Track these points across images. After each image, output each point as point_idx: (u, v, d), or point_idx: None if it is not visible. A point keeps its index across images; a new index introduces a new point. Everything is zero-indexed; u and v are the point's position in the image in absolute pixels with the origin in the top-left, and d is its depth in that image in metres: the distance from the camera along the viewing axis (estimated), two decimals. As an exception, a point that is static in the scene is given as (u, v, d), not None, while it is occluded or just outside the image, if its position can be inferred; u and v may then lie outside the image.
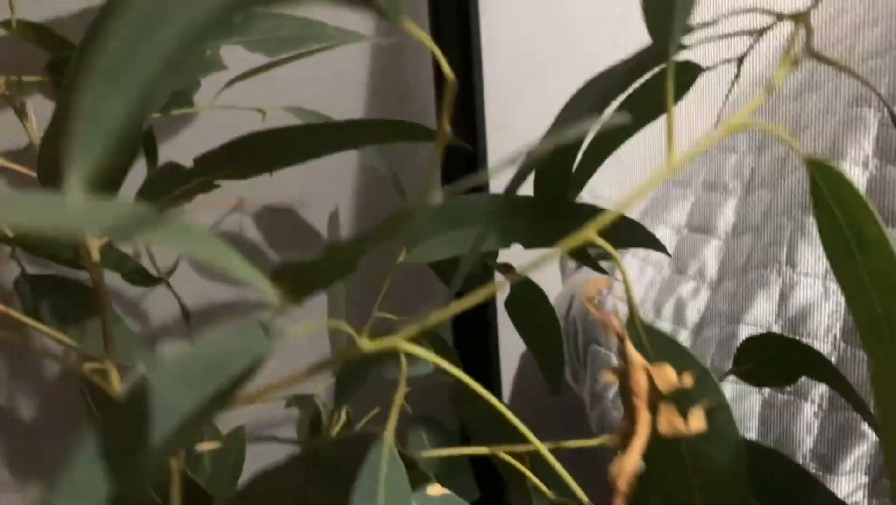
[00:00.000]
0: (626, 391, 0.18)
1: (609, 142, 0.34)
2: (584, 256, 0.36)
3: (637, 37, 0.26)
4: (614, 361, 0.54)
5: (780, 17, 0.26)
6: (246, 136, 0.34)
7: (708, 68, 0.31)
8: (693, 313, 0.52)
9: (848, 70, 0.24)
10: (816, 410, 0.42)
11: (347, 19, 0.42)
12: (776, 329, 0.45)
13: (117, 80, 0.17)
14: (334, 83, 0.57)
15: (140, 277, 0.48)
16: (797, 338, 0.43)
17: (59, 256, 0.40)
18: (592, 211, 0.35)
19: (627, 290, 0.20)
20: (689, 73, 0.32)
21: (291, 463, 0.23)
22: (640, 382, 0.17)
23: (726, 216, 0.55)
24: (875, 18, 0.49)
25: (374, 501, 0.20)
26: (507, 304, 0.41)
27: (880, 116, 0.45)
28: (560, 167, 0.34)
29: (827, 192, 0.20)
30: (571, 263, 0.66)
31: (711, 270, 0.54)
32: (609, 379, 0.18)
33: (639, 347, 0.18)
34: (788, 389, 0.44)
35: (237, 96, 0.46)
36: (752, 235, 0.51)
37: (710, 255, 0.54)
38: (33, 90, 0.47)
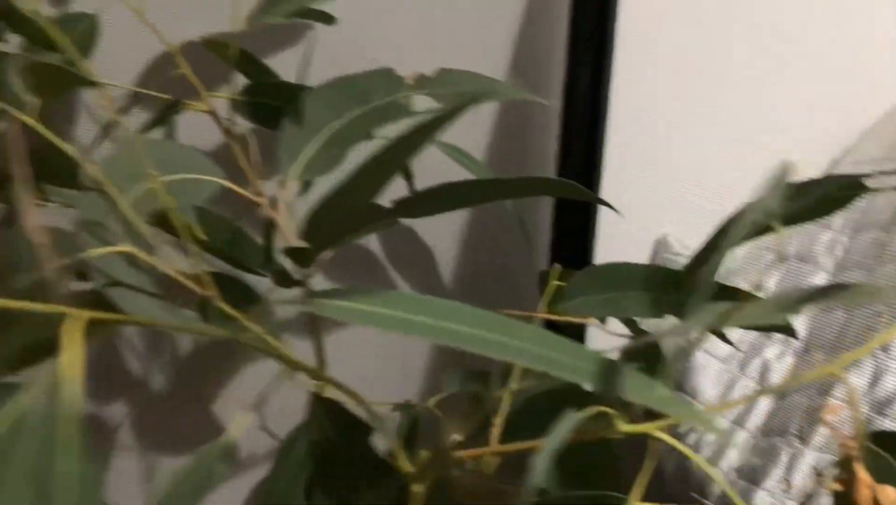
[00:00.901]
0: (845, 500, 0.22)
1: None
2: (722, 336, 0.40)
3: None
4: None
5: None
6: (436, 186, 0.38)
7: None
8: (777, 376, 0.56)
9: None
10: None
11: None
12: (864, 408, 0.49)
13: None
14: (467, 119, 0.61)
15: (283, 279, 0.53)
16: (881, 420, 0.47)
17: (240, 263, 0.45)
18: (742, 294, 0.39)
19: (856, 412, 0.24)
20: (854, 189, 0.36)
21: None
22: (864, 497, 0.21)
23: (815, 288, 0.59)
24: None
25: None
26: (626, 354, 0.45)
27: None
28: (715, 266, 0.38)
29: None
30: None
31: (799, 337, 0.57)
32: (834, 488, 0.22)
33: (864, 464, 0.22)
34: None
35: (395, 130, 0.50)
36: (844, 314, 0.55)
37: (798, 323, 0.58)
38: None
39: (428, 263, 0.63)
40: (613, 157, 0.63)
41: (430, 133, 0.27)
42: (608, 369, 0.17)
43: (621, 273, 0.40)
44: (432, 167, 0.51)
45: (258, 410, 0.62)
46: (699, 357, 0.59)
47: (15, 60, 0.29)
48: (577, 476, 0.43)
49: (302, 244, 0.34)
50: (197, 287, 0.31)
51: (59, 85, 0.24)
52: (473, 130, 0.61)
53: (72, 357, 0.16)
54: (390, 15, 0.55)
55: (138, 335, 0.59)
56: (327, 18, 0.48)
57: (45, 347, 0.33)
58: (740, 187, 0.70)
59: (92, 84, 0.24)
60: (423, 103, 0.44)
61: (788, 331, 0.38)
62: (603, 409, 0.23)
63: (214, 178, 0.36)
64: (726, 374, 0.58)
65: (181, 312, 0.33)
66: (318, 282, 0.58)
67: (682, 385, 0.59)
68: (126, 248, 0.28)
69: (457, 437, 0.27)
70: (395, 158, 0.29)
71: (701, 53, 0.66)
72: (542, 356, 0.17)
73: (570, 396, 0.41)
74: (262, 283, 0.47)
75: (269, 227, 0.47)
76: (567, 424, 0.20)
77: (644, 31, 0.63)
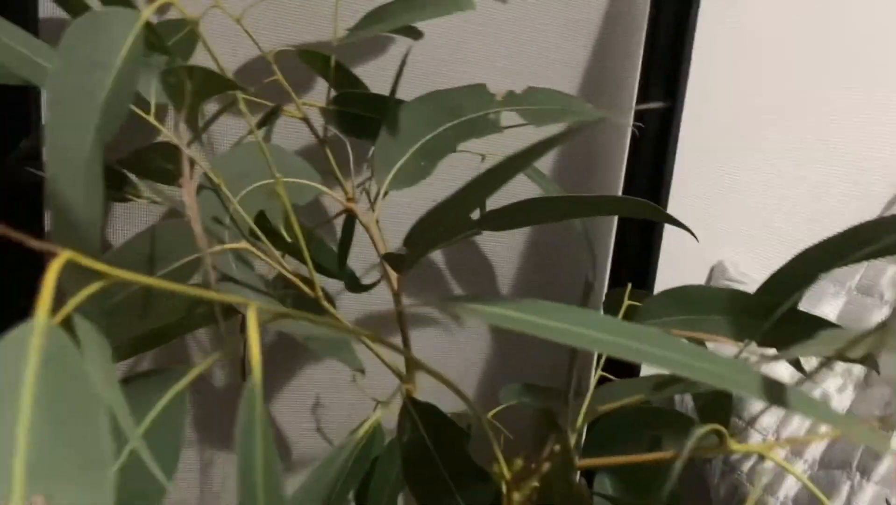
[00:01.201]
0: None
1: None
2: (798, 365, 0.40)
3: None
4: (752, 436, 0.58)
5: None
6: (519, 203, 0.39)
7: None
8: (838, 407, 0.56)
9: None
10: None
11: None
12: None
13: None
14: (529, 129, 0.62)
15: (354, 283, 0.54)
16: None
17: (317, 265, 0.46)
18: (820, 323, 0.39)
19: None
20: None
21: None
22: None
23: (877, 322, 0.59)
24: None
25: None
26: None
27: None
28: (799, 294, 0.39)
29: None
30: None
31: (859, 370, 0.57)
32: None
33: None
34: None
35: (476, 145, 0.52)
36: (909, 349, 0.55)
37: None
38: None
39: (488, 274, 0.64)
40: (678, 180, 0.63)
41: (531, 159, 0.28)
42: (773, 385, 0.18)
43: (702, 296, 0.41)
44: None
45: (316, 412, 0.63)
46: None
47: (155, 64, 0.31)
48: (640, 491, 0.44)
49: (401, 251, 0.35)
50: (304, 287, 0.32)
51: (209, 90, 0.25)
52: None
53: (254, 343, 0.18)
54: (480, 35, 0.57)
55: (204, 331, 0.61)
56: (415, 34, 0.50)
57: (172, 330, 0.34)
58: (799, 219, 0.70)
59: (241, 88, 0.25)
60: (511, 119, 0.45)
61: (873, 364, 0.38)
62: (717, 427, 0.23)
63: (316, 184, 0.37)
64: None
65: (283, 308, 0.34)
66: (381, 290, 0.59)
67: (739, 413, 0.59)
68: (243, 245, 0.30)
69: (556, 447, 0.27)
70: (496, 180, 0.30)
71: (771, 85, 0.66)
72: (702, 368, 0.17)
73: (644, 415, 0.42)
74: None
75: (347, 232, 0.48)
76: (692, 440, 0.21)
77: (718, 58, 0.64)
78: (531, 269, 0.65)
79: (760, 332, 0.39)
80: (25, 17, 0.49)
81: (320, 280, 0.50)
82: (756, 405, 0.59)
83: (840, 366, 0.58)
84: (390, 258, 0.35)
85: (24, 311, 0.16)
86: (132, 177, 0.40)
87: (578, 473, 0.36)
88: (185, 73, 0.24)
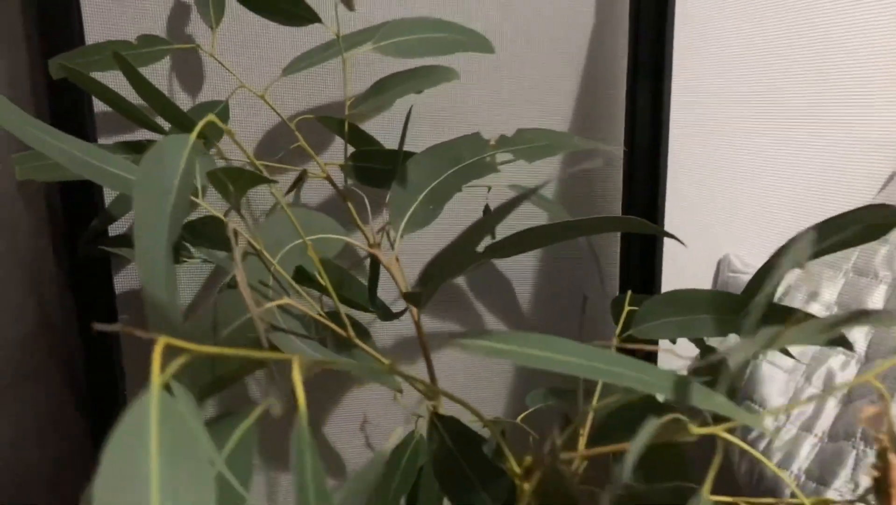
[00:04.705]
0: (883, 484, 0.27)
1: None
2: (785, 350, 0.45)
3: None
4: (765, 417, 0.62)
5: None
6: (520, 232, 0.45)
7: None
8: (842, 380, 0.60)
9: None
10: None
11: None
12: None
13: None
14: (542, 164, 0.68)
15: (385, 312, 0.60)
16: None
17: (349, 301, 0.52)
18: (801, 314, 0.44)
19: (889, 420, 0.29)
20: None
21: (622, 497, 0.33)
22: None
23: (875, 301, 0.63)
24: None
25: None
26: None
27: None
28: (771, 290, 0.44)
29: None
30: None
31: (861, 347, 0.62)
32: (872, 475, 0.28)
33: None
34: None
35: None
36: (903, 323, 0.59)
37: (860, 336, 0.62)
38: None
39: (508, 294, 0.70)
40: (674, 186, 0.68)
41: (519, 203, 0.33)
42: (679, 383, 0.23)
43: (690, 299, 0.46)
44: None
45: (363, 429, 0.70)
46: (766, 369, 0.64)
47: (207, 165, 0.38)
48: (655, 475, 0.49)
49: (417, 289, 0.41)
50: (338, 329, 0.38)
51: (245, 185, 0.32)
52: (544, 172, 0.68)
53: (298, 387, 0.24)
54: (472, 85, 0.63)
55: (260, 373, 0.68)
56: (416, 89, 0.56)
57: (228, 380, 0.41)
58: (792, 212, 0.74)
59: (271, 181, 0.32)
60: (504, 157, 0.51)
61: (845, 344, 0.43)
62: (677, 416, 0.29)
63: (341, 237, 0.44)
64: (792, 383, 0.63)
65: (325, 349, 0.41)
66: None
67: (751, 395, 0.64)
68: (287, 300, 0.36)
69: (557, 440, 0.33)
70: (494, 221, 0.36)
71: (753, 94, 0.71)
72: (629, 376, 0.23)
73: (648, 408, 0.47)
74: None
75: (373, 272, 0.55)
76: (649, 429, 0.26)
77: (696, 82, 0.69)
78: (542, 283, 0.71)
79: (741, 327, 0.44)
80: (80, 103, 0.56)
81: (357, 313, 0.57)
82: (767, 390, 0.64)
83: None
84: (409, 296, 0.42)
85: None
86: (187, 245, 0.47)
87: (585, 462, 0.42)
88: (226, 174, 0.31)
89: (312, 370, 0.26)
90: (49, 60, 0.51)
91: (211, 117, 0.31)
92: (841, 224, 0.40)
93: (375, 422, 0.70)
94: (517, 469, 0.35)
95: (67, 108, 0.57)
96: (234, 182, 0.31)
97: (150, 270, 0.25)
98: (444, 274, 0.44)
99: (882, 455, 0.28)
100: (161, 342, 0.22)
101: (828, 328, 0.33)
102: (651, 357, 0.65)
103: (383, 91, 0.47)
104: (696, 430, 0.30)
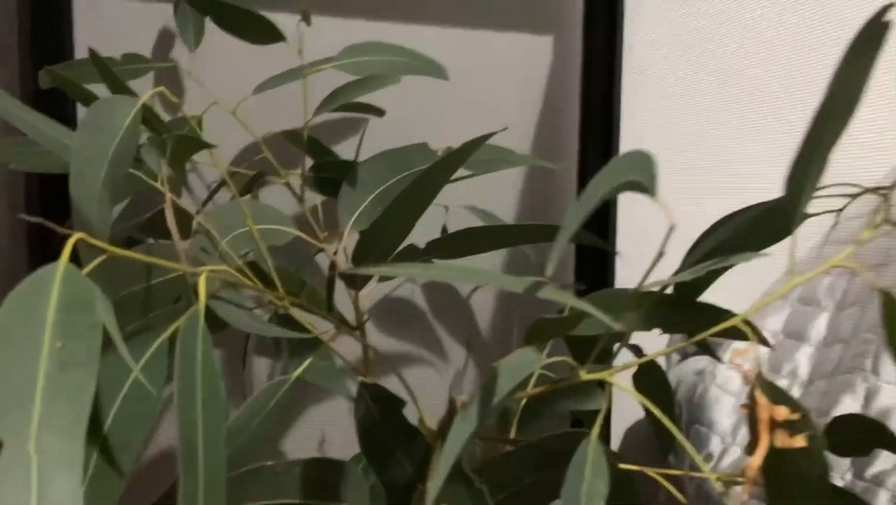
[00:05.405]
0: (752, 421, 0.29)
1: (725, 267, 0.46)
2: (705, 345, 0.47)
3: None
4: (712, 439, 0.63)
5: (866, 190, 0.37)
6: (461, 230, 0.48)
7: (812, 215, 0.43)
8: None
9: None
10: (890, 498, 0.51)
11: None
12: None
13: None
14: (492, 184, 0.71)
15: (343, 323, 0.63)
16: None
17: (306, 307, 0.55)
18: (718, 312, 0.47)
19: (759, 361, 0.31)
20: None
21: (516, 452, 0.35)
22: (763, 415, 0.28)
23: (818, 327, 0.65)
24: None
25: (580, 481, 0.31)
26: (635, 378, 0.53)
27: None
28: (694, 286, 0.46)
29: (893, 315, 0.32)
30: (676, 356, 0.76)
31: (804, 371, 0.63)
32: (743, 411, 0.30)
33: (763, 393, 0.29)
34: (867, 476, 0.52)
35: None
36: (842, 346, 0.61)
37: (803, 359, 0.64)
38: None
39: (466, 314, 0.72)
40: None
41: (446, 172, 0.37)
42: (531, 284, 0.26)
43: (621, 297, 0.48)
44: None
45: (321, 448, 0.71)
46: (713, 392, 0.65)
47: (152, 139, 0.41)
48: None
49: (353, 271, 0.44)
50: (277, 301, 0.41)
51: (188, 150, 0.35)
52: (504, 194, 0.72)
53: (202, 293, 0.27)
54: (431, 99, 0.68)
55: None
56: (378, 112, 0.61)
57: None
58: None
59: (211, 146, 0.35)
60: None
61: (764, 342, 0.45)
62: (565, 358, 0.31)
63: (292, 230, 0.47)
64: (739, 405, 0.64)
65: (268, 324, 0.43)
66: (369, 328, 0.68)
67: (700, 419, 0.65)
68: (223, 267, 0.39)
69: (462, 398, 0.35)
70: (422, 194, 0.39)
71: (697, 106, 0.75)
72: (491, 276, 0.26)
73: (568, 391, 0.49)
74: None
75: (330, 281, 0.58)
76: (529, 361, 0.29)
77: (644, 107, 0.74)
78: (501, 301, 0.73)
79: (666, 322, 0.47)
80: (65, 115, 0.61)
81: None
82: (715, 413, 0.65)
83: (785, 369, 0.64)
84: (345, 277, 0.44)
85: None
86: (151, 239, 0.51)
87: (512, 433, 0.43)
88: (168, 137, 0.35)
89: (215, 285, 0.28)
90: (40, 71, 0.55)
91: (161, 89, 0.35)
92: (739, 221, 0.43)
93: (330, 440, 0.71)
94: (431, 428, 0.36)
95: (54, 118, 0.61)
96: (175, 146, 0.35)
97: (83, 189, 0.28)
98: (378, 255, 0.47)
99: (751, 393, 0.30)
100: (75, 237, 0.25)
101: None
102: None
103: (334, 99, 0.52)
104: (586, 375, 0.32)
